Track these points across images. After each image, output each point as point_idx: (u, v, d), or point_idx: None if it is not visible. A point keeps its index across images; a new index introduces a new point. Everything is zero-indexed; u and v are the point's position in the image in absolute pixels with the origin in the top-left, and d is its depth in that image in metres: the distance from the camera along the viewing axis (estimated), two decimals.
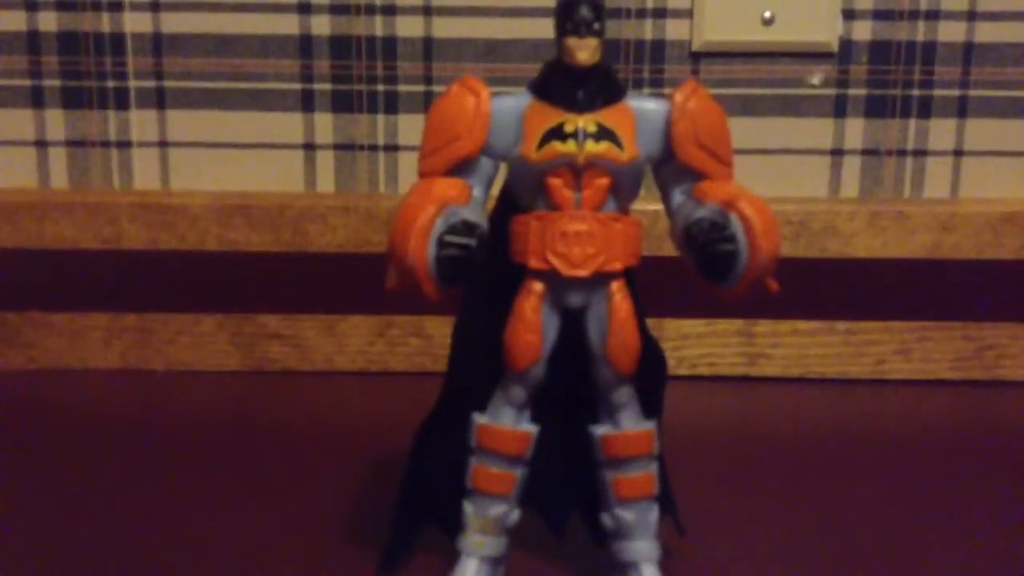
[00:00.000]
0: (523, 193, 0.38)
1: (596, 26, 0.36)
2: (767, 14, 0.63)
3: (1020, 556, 0.44)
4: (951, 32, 0.65)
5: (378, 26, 0.64)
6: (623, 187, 0.37)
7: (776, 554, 0.44)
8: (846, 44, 0.65)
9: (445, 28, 0.64)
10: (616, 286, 0.37)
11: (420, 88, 0.65)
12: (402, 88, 0.65)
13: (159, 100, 0.65)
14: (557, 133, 0.36)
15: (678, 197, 0.38)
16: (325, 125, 0.65)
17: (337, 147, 0.66)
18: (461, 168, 0.37)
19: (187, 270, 0.64)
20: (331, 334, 0.65)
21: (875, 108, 0.66)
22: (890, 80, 0.65)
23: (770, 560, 0.43)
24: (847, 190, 0.67)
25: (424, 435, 0.41)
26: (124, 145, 0.66)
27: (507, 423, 0.39)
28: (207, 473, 0.51)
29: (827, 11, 0.64)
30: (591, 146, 0.36)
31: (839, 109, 0.66)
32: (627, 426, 0.39)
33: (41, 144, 0.66)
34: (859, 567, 0.43)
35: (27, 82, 0.65)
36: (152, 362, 0.65)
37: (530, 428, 0.39)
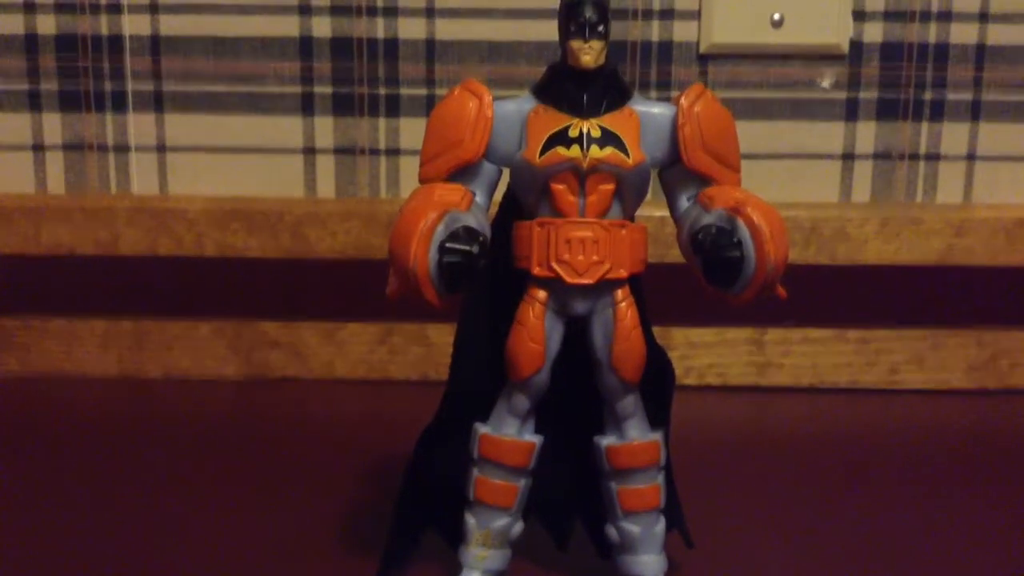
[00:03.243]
0: (526, 199, 0.37)
1: (601, 28, 0.36)
2: (776, 15, 0.63)
3: None
4: (963, 34, 0.64)
5: (380, 28, 0.64)
6: (628, 192, 0.37)
7: (787, 569, 0.43)
8: (857, 46, 0.64)
9: (448, 30, 0.64)
10: (621, 293, 0.37)
11: (422, 91, 0.64)
12: (404, 91, 0.64)
13: (157, 103, 0.65)
14: (561, 137, 0.36)
15: (684, 203, 0.38)
16: (325, 128, 0.65)
17: (338, 151, 0.65)
18: (463, 173, 0.37)
19: (185, 276, 0.64)
20: (331, 341, 0.64)
21: (887, 111, 0.65)
22: (902, 83, 0.64)
23: (781, 573, 0.43)
24: (859, 195, 0.66)
25: (425, 444, 0.40)
26: (122, 149, 0.66)
27: (510, 433, 0.38)
28: (204, 481, 0.50)
29: (837, 12, 0.63)
30: (596, 151, 0.36)
31: (850, 112, 0.65)
32: (633, 436, 0.38)
33: (38, 148, 0.66)
34: None
35: (24, 85, 0.65)
36: (149, 369, 0.65)
37: (534, 438, 0.39)
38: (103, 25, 0.64)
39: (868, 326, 0.64)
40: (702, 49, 0.64)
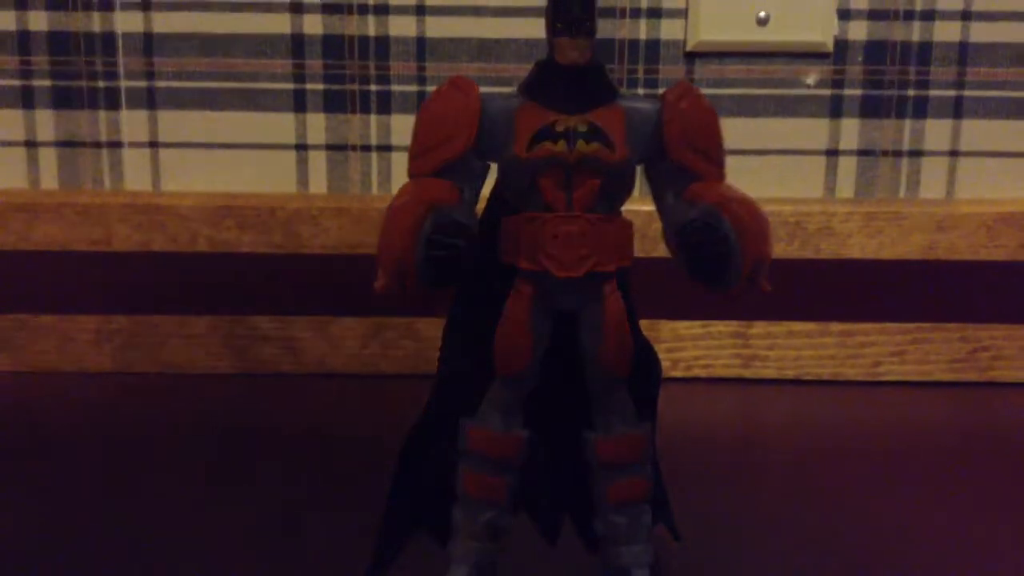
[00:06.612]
0: (514, 194, 0.37)
1: (588, 25, 0.36)
2: (762, 14, 0.63)
3: (1015, 558, 0.44)
4: (946, 32, 0.64)
5: (371, 25, 0.64)
6: (615, 187, 0.37)
7: (773, 558, 0.44)
8: (841, 44, 0.64)
9: (438, 28, 0.64)
10: (608, 288, 0.37)
11: (413, 88, 0.65)
12: (395, 88, 0.65)
13: (150, 100, 0.65)
14: (548, 133, 0.36)
15: (670, 198, 0.38)
16: (317, 125, 0.65)
17: (329, 147, 0.66)
18: (451, 169, 0.37)
19: (178, 272, 0.64)
20: (323, 336, 0.65)
21: (871, 108, 0.65)
22: (885, 80, 0.65)
23: (767, 564, 0.43)
24: (843, 191, 0.66)
25: (414, 439, 0.40)
26: (115, 146, 0.66)
27: (498, 427, 0.38)
28: (197, 476, 0.50)
29: (822, 11, 0.64)
30: (582, 146, 0.36)
31: (834, 109, 0.65)
32: (620, 430, 0.38)
33: (31, 145, 0.66)
34: (856, 570, 0.43)
35: (17, 82, 0.65)
36: (143, 365, 0.65)
37: (521, 432, 0.38)
38: (95, 22, 0.64)
39: (851, 320, 0.64)
40: (688, 47, 0.64)
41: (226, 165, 0.66)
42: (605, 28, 0.63)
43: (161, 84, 0.65)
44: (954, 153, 0.66)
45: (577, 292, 0.37)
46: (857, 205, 0.64)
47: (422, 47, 0.64)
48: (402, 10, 0.64)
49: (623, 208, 0.38)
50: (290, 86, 0.65)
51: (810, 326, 0.65)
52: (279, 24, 0.64)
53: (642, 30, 0.64)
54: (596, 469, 0.38)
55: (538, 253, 0.36)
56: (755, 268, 0.35)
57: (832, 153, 0.66)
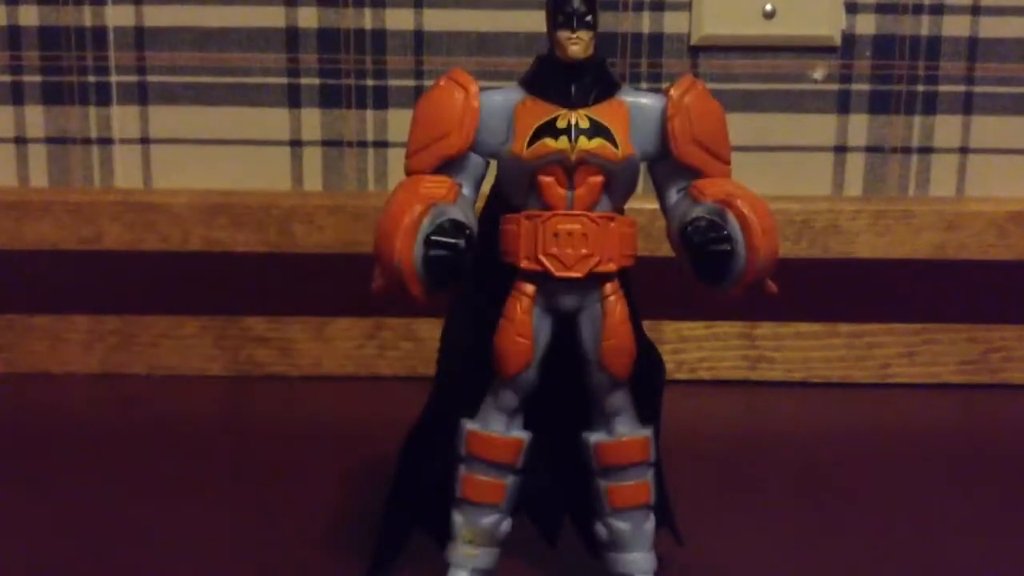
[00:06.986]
0: (514, 191, 0.37)
1: (589, 19, 0.36)
2: (768, 7, 0.63)
3: None
4: (956, 27, 0.64)
5: (367, 19, 0.63)
6: (617, 185, 0.36)
7: (778, 564, 0.43)
8: (849, 38, 0.64)
9: (436, 21, 0.64)
10: (610, 288, 0.37)
11: (410, 83, 0.64)
12: (392, 82, 0.64)
13: (141, 96, 0.65)
14: (549, 129, 0.36)
15: (674, 195, 0.38)
16: (312, 121, 0.65)
17: (325, 143, 0.65)
18: (450, 165, 0.37)
19: (170, 271, 0.63)
20: (319, 337, 0.64)
21: (879, 104, 0.65)
22: (894, 76, 0.64)
23: (772, 568, 0.43)
24: (850, 188, 0.66)
25: (413, 442, 0.40)
26: (105, 142, 0.65)
27: (498, 430, 0.38)
28: (190, 481, 0.50)
29: (829, 5, 0.63)
30: (584, 143, 0.35)
31: (842, 105, 0.65)
32: (622, 433, 0.38)
33: (21, 141, 0.65)
34: (864, 574, 0.42)
35: (7, 78, 0.65)
36: (134, 366, 0.64)
37: (522, 435, 0.38)
38: (86, 17, 0.64)
39: (860, 320, 0.64)
40: (693, 41, 0.64)
41: (219, 162, 0.65)
42: (607, 21, 0.63)
43: (153, 79, 0.64)
44: (964, 150, 0.66)
45: (578, 292, 0.37)
46: (865, 203, 0.64)
47: (420, 41, 0.64)
48: (399, 3, 0.63)
49: (626, 206, 0.37)
50: (284, 81, 0.64)
51: (817, 327, 0.64)
52: (273, 17, 0.64)
53: (645, 23, 0.64)
54: (597, 472, 0.38)
55: (538, 252, 0.36)
56: (761, 269, 0.35)
57: (840, 150, 0.65)
